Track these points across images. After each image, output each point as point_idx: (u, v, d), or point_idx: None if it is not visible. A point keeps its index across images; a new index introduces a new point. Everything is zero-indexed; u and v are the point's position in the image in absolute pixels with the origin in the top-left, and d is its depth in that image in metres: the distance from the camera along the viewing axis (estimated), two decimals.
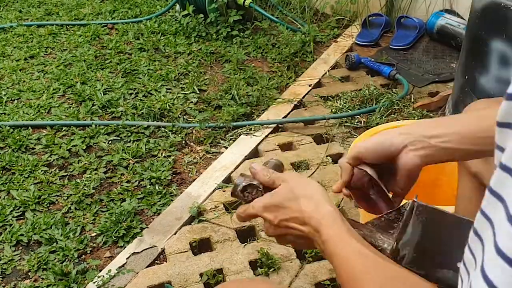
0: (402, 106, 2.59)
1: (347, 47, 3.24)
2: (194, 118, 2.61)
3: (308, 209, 0.82)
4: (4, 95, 2.82)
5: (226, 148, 2.38)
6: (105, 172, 2.26)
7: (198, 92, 2.82)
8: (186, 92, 2.82)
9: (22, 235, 1.94)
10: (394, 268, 0.73)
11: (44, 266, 1.82)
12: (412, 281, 0.70)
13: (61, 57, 3.20)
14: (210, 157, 2.36)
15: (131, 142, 2.44)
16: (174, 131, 2.50)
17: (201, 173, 2.23)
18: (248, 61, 3.16)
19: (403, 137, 0.91)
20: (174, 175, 2.24)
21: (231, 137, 2.45)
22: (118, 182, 2.21)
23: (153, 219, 2.01)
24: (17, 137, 2.45)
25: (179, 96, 2.77)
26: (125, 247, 1.88)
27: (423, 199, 1.47)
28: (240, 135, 2.45)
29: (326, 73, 2.96)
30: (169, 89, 2.87)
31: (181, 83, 2.92)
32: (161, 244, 1.87)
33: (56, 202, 2.12)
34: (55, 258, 1.85)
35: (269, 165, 0.98)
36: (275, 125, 2.50)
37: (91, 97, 2.76)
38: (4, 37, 3.48)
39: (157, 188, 2.15)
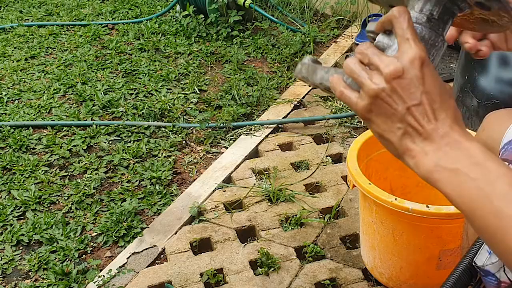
0: None
1: (347, 48, 3.24)
2: (194, 118, 2.61)
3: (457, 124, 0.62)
4: (5, 95, 2.83)
5: (226, 148, 2.39)
6: (105, 172, 2.26)
7: (198, 92, 2.83)
8: (187, 92, 2.82)
9: (22, 235, 1.95)
10: None
11: (45, 266, 1.83)
12: None
13: (62, 57, 3.21)
14: (211, 157, 2.36)
15: (132, 142, 2.44)
16: (174, 131, 2.50)
17: (202, 173, 2.24)
18: (248, 62, 3.16)
19: None
20: (174, 175, 2.25)
21: (231, 137, 2.46)
22: (119, 182, 2.22)
23: (153, 219, 2.01)
24: (18, 137, 2.45)
25: (179, 96, 2.78)
26: (126, 247, 1.89)
27: (422, 199, 1.48)
28: (240, 135, 2.45)
29: None
30: (170, 89, 2.87)
31: (181, 84, 2.92)
32: (162, 244, 1.87)
33: (57, 202, 2.12)
34: (56, 258, 1.86)
35: None
36: (275, 125, 2.51)
37: (91, 97, 2.77)
38: (5, 37, 3.48)
39: (157, 188, 2.16)
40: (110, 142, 2.45)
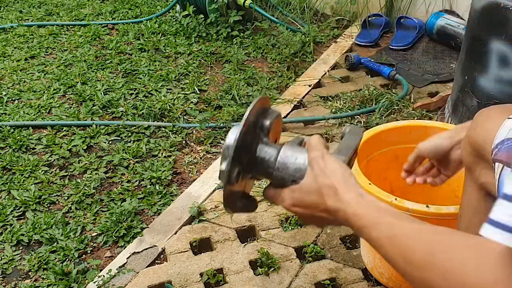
0: (401, 107, 2.59)
1: (347, 48, 3.24)
2: (194, 118, 2.61)
3: (331, 203, 0.82)
4: (5, 95, 2.83)
5: None
6: (105, 172, 2.26)
7: (198, 92, 2.83)
8: (187, 92, 2.82)
9: (22, 235, 1.95)
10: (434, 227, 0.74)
11: (45, 266, 1.83)
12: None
13: (62, 57, 3.21)
14: (211, 157, 2.36)
15: (132, 142, 2.44)
16: (174, 131, 2.50)
17: (202, 173, 2.24)
18: (248, 62, 3.16)
19: (451, 141, 1.28)
20: (174, 175, 2.25)
21: None
22: (119, 182, 2.21)
23: (153, 219, 2.01)
24: (18, 137, 2.45)
25: (179, 96, 2.78)
26: (126, 247, 1.89)
27: (422, 199, 1.48)
28: None
29: (326, 73, 2.97)
30: (170, 89, 2.87)
31: (181, 83, 2.92)
32: (162, 244, 1.87)
33: (57, 202, 2.12)
34: (56, 258, 1.86)
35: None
36: None
37: (91, 97, 2.77)
38: (5, 37, 3.48)
39: (157, 188, 2.16)
40: (110, 142, 2.45)
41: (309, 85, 2.85)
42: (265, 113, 0.90)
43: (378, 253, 0.76)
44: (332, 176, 0.83)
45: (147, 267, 1.79)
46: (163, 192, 2.14)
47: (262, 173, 0.90)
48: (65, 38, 3.47)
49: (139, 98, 2.78)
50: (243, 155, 0.87)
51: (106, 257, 1.87)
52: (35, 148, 2.42)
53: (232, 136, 0.83)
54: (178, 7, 3.64)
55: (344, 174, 0.84)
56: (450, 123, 2.19)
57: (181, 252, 1.83)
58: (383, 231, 0.75)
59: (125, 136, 2.48)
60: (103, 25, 3.61)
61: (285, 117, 2.57)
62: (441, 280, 0.65)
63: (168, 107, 2.67)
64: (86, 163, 2.31)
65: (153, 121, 2.58)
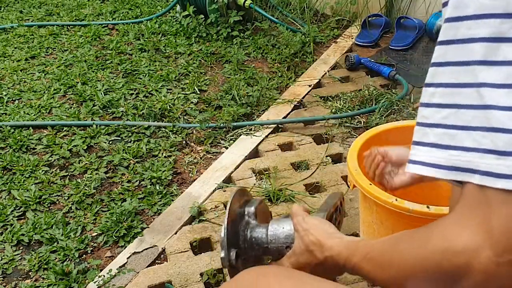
0: (401, 107, 2.59)
1: (347, 48, 3.24)
2: (194, 119, 2.62)
3: (319, 256, 0.93)
4: (5, 95, 2.83)
5: (227, 148, 2.39)
6: (105, 172, 2.26)
7: (198, 92, 2.83)
8: (187, 93, 2.83)
9: (23, 235, 1.95)
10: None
11: (45, 266, 1.83)
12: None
13: (62, 57, 3.21)
14: (211, 157, 2.36)
15: (132, 142, 2.44)
16: (174, 131, 2.50)
17: (202, 173, 2.24)
18: (248, 62, 3.17)
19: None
20: (174, 175, 2.25)
21: (231, 137, 2.46)
22: (119, 182, 2.22)
23: (153, 219, 2.01)
24: (18, 137, 2.45)
25: (179, 97, 2.78)
26: (126, 246, 1.89)
27: (423, 200, 1.48)
28: (240, 135, 2.45)
29: (326, 73, 2.97)
30: (170, 89, 2.87)
31: (181, 84, 2.92)
32: (162, 244, 1.87)
33: (57, 202, 2.12)
34: (56, 258, 1.86)
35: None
36: (275, 125, 2.51)
37: (92, 98, 2.77)
38: (5, 38, 3.49)
39: (157, 188, 2.16)
40: (110, 142, 2.46)
41: (309, 85, 2.85)
42: (249, 202, 1.07)
43: (366, 280, 0.83)
44: (314, 232, 0.95)
45: (147, 267, 1.79)
46: (163, 192, 2.14)
47: (260, 250, 1.02)
48: (66, 38, 3.47)
49: (140, 98, 2.78)
50: (238, 240, 1.01)
51: (106, 257, 1.87)
52: (36, 148, 2.42)
53: (222, 228, 0.97)
54: (178, 8, 3.64)
55: (324, 227, 0.97)
56: None
57: (181, 252, 1.84)
58: (361, 253, 0.84)
59: (125, 136, 2.48)
60: (103, 25, 3.61)
61: (285, 117, 2.58)
62: (411, 258, 0.72)
63: (168, 107, 2.67)
64: (86, 163, 2.31)
65: (153, 121, 2.58)
